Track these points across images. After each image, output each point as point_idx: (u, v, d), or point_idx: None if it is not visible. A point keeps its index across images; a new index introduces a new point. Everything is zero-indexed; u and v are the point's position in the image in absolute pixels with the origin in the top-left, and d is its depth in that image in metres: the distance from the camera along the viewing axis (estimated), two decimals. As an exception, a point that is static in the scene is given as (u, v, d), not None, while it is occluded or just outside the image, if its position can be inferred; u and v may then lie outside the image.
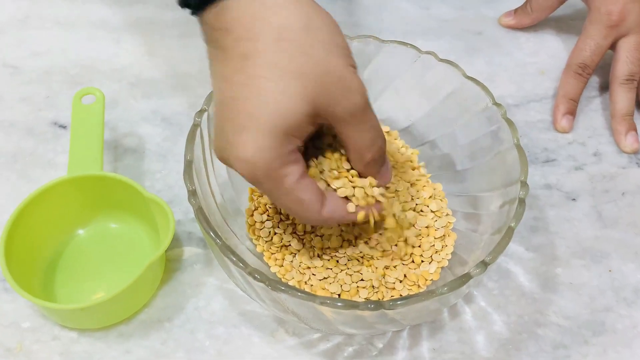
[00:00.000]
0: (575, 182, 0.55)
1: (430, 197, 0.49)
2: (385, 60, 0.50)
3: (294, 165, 0.37)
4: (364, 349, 0.45)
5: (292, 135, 0.36)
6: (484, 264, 0.37)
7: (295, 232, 0.47)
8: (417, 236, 0.47)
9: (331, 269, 0.45)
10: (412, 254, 0.46)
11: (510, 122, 0.45)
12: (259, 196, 0.49)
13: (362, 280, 0.45)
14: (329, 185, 0.40)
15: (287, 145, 0.36)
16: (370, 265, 0.45)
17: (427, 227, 0.48)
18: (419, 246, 0.47)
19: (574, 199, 0.54)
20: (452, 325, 0.46)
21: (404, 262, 0.46)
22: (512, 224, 0.39)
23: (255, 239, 0.48)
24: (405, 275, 0.46)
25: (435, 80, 0.49)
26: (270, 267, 0.47)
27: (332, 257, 0.46)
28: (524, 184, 0.41)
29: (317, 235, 0.47)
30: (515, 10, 0.67)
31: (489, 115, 0.46)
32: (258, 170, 0.36)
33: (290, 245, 0.47)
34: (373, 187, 0.40)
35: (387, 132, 0.53)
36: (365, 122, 0.38)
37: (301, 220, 0.44)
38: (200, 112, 0.45)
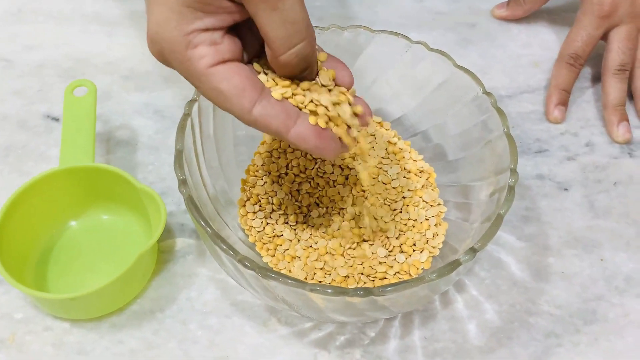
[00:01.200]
0: (567, 173, 0.55)
1: (422, 187, 0.50)
2: (376, 51, 0.50)
3: (207, 47, 0.34)
4: (355, 337, 0.45)
5: (196, 9, 0.33)
6: (472, 251, 0.37)
7: (287, 222, 0.48)
8: (405, 225, 0.47)
9: (321, 256, 0.45)
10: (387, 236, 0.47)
11: (500, 111, 0.45)
12: (251, 187, 0.49)
13: (350, 267, 0.45)
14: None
15: (191, 21, 0.33)
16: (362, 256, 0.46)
17: (418, 217, 0.48)
18: (401, 233, 0.47)
19: (566, 189, 0.54)
20: (444, 314, 0.47)
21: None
22: (502, 212, 0.39)
23: (248, 230, 0.48)
24: (398, 266, 0.46)
25: (426, 71, 0.49)
26: (262, 257, 0.47)
27: (323, 246, 0.46)
28: (513, 172, 0.41)
29: (309, 226, 0.47)
30: (508, 2, 0.67)
31: (480, 105, 0.46)
32: (163, 46, 0.34)
33: (282, 235, 0.47)
34: (337, 103, 0.37)
35: (380, 122, 0.53)
36: (276, 11, 0.32)
37: (233, 114, 0.36)
38: (191, 103, 0.45)
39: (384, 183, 0.49)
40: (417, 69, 0.50)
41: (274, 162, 0.49)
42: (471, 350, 0.45)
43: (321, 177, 0.49)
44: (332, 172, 0.49)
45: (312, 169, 0.49)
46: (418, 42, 0.49)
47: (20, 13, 0.67)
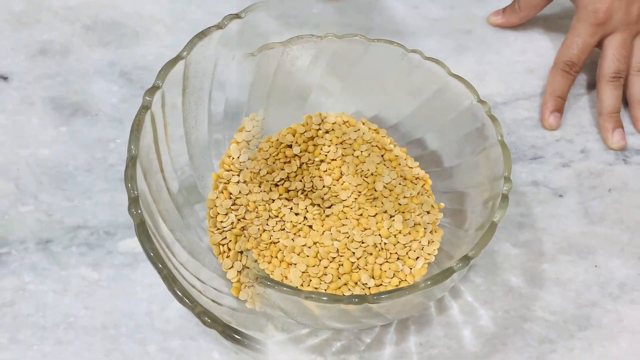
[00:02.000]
0: (562, 179, 0.56)
1: (418, 193, 0.50)
2: (372, 59, 0.51)
3: None
4: (351, 343, 0.45)
5: None
6: (466, 258, 0.38)
7: (284, 229, 0.48)
8: (400, 232, 0.48)
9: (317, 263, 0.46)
10: None
11: (494, 119, 0.45)
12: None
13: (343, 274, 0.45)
14: None
15: None
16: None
17: (414, 224, 0.48)
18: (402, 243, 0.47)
19: (560, 196, 0.55)
20: (439, 320, 0.47)
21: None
22: (495, 219, 0.40)
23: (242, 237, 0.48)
24: (393, 273, 0.46)
25: (422, 79, 0.50)
26: (259, 263, 0.47)
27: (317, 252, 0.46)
28: (507, 180, 0.42)
29: (301, 231, 0.47)
30: (504, 9, 0.67)
31: (474, 113, 0.47)
32: None
33: (278, 242, 0.47)
34: None
35: (376, 129, 0.53)
36: None
37: None
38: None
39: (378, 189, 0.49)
40: (413, 77, 0.50)
41: (268, 172, 0.49)
42: (466, 356, 0.45)
43: (316, 182, 0.49)
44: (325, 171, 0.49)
45: (308, 170, 0.49)
46: (413, 51, 0.49)
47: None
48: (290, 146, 0.51)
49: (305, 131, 0.51)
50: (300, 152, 0.50)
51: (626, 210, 0.54)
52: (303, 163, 0.50)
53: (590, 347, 0.46)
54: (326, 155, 0.50)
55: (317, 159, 0.50)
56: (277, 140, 0.51)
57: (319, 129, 0.51)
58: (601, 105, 0.59)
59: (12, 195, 0.50)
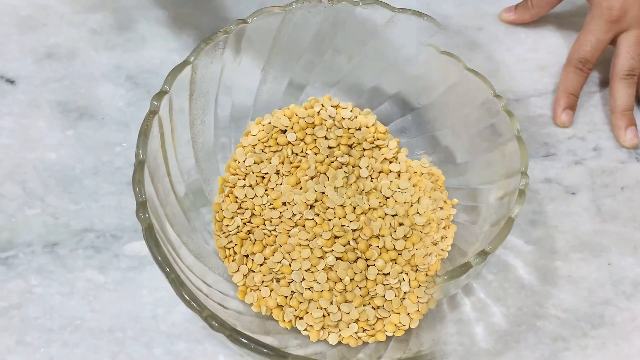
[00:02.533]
0: (574, 177, 0.55)
1: (431, 189, 0.50)
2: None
3: None
4: (363, 339, 0.45)
5: None
6: (484, 254, 0.38)
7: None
8: (417, 228, 0.47)
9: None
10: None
11: (510, 114, 0.45)
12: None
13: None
14: None
15: None
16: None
17: (426, 219, 0.48)
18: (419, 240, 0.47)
19: (573, 193, 0.54)
20: (451, 316, 0.47)
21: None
22: (512, 215, 0.40)
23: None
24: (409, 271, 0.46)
25: (437, 73, 0.49)
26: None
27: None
28: (524, 175, 0.42)
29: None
30: (516, 6, 0.67)
31: (489, 108, 0.46)
32: None
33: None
34: None
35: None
36: None
37: None
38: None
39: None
40: (427, 71, 0.50)
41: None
42: (479, 353, 0.45)
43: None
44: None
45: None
46: (429, 45, 0.49)
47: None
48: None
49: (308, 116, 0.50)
50: (295, 140, 0.49)
51: (639, 209, 0.53)
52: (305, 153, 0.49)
53: (604, 346, 0.46)
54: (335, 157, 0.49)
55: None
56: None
57: (326, 120, 0.50)
58: (614, 102, 0.58)
59: (19, 199, 0.50)
